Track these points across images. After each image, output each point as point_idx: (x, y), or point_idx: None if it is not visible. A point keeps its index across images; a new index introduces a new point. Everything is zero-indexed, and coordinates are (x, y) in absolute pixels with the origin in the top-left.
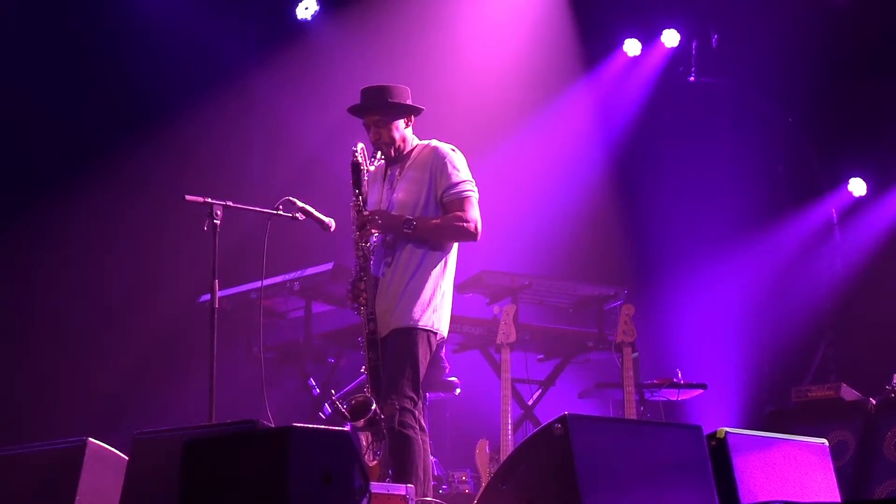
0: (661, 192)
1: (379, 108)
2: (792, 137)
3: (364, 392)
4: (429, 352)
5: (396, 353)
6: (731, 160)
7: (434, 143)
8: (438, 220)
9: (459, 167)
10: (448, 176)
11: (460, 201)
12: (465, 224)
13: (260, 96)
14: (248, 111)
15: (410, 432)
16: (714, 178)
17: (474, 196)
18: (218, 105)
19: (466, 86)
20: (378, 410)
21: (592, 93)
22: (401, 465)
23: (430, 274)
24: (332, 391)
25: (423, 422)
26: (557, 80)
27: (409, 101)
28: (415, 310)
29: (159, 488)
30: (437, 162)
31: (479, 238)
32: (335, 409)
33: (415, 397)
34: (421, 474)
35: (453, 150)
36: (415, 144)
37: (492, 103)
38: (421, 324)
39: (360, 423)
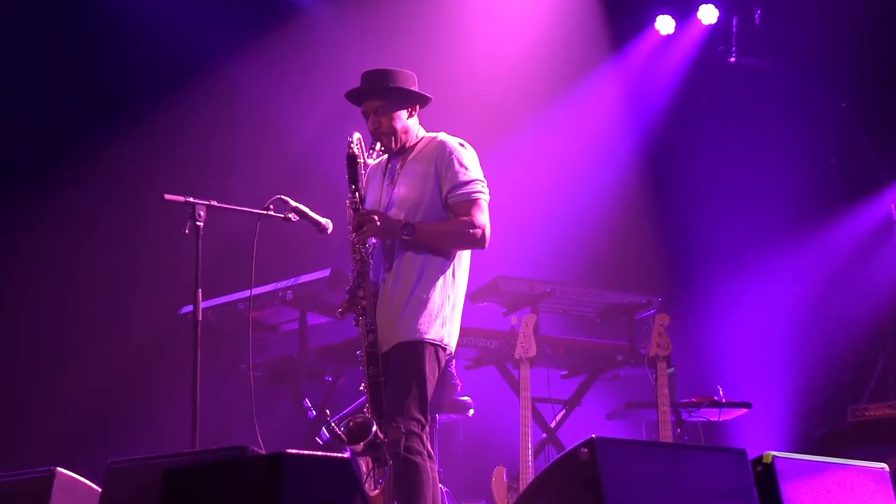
0: (698, 188)
1: (380, 94)
2: (845, 125)
3: (364, 412)
4: (437, 368)
5: (401, 371)
6: (776, 151)
7: (442, 136)
8: (441, 226)
9: (468, 164)
10: (455, 174)
11: (468, 204)
12: (471, 230)
13: (247, 86)
14: (234, 102)
15: (418, 459)
16: (758, 171)
17: (484, 198)
18: (200, 96)
19: (479, 71)
20: (379, 432)
21: (620, 77)
22: (407, 495)
23: (437, 281)
24: (327, 412)
25: (430, 448)
26: (581, 63)
27: (415, 88)
28: (421, 321)
29: None
30: (443, 157)
31: (486, 246)
32: (331, 432)
33: (422, 420)
34: None
35: (462, 145)
36: (420, 137)
37: (507, 90)
38: (428, 337)
39: (360, 447)
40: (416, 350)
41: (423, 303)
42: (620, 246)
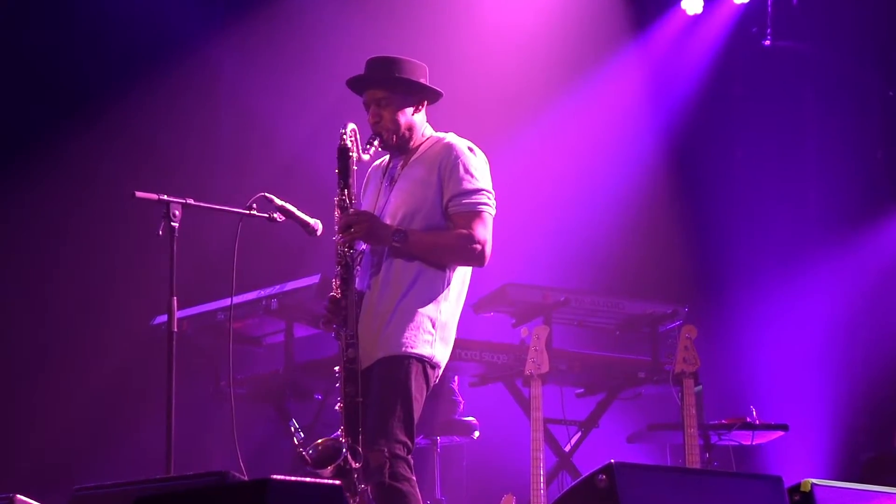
0: (729, 186)
1: (385, 84)
2: (893, 115)
3: (338, 435)
4: (425, 388)
5: (384, 388)
6: (817, 146)
7: (450, 137)
8: (436, 237)
9: (476, 172)
10: (459, 181)
11: (470, 216)
12: (469, 245)
13: (228, 75)
14: (215, 93)
15: (405, 486)
16: (796, 168)
17: (489, 212)
18: (178, 86)
19: (486, 57)
20: (350, 458)
21: (642, 63)
22: None
23: (429, 294)
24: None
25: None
26: (598, 47)
27: (424, 81)
28: (407, 335)
29: None
30: (449, 161)
31: (484, 264)
32: (297, 455)
33: (408, 443)
34: None
35: (471, 150)
36: (426, 136)
37: (517, 77)
38: (415, 351)
39: (326, 472)
40: (401, 365)
41: (411, 315)
42: (642, 250)
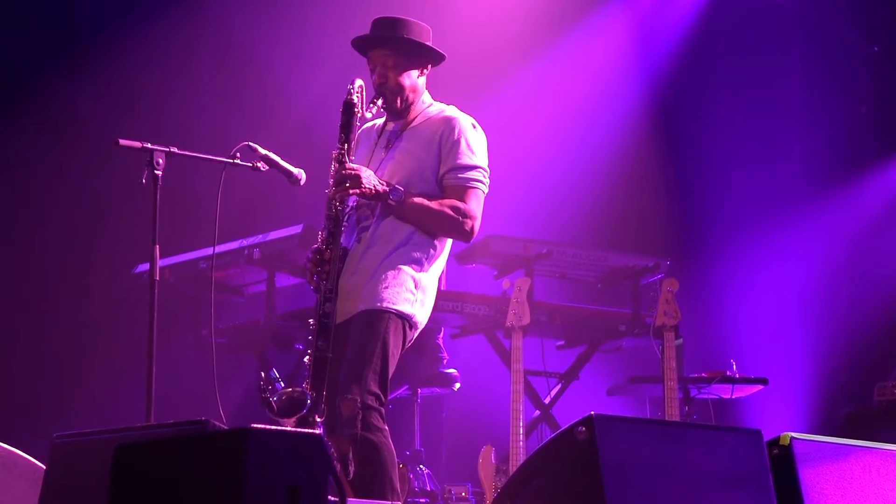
0: (712, 140)
1: (392, 44)
2: (877, 71)
3: (303, 387)
4: (401, 345)
5: (363, 338)
6: (800, 100)
7: (452, 110)
8: (432, 202)
9: (475, 149)
10: (457, 155)
11: (464, 190)
12: (461, 219)
13: (214, 18)
14: (200, 38)
15: (377, 436)
16: (780, 122)
17: (482, 189)
18: (165, 34)
19: (469, 7)
20: (313, 410)
21: (628, 16)
22: (371, 478)
23: (413, 258)
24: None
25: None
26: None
27: (430, 44)
28: (390, 291)
29: (83, 503)
30: (450, 134)
31: (470, 241)
32: (263, 400)
33: (381, 396)
34: (397, 486)
35: (474, 127)
36: (427, 104)
37: (499, 29)
38: (396, 308)
39: (290, 421)
40: (381, 319)
41: (395, 273)
42: (625, 203)
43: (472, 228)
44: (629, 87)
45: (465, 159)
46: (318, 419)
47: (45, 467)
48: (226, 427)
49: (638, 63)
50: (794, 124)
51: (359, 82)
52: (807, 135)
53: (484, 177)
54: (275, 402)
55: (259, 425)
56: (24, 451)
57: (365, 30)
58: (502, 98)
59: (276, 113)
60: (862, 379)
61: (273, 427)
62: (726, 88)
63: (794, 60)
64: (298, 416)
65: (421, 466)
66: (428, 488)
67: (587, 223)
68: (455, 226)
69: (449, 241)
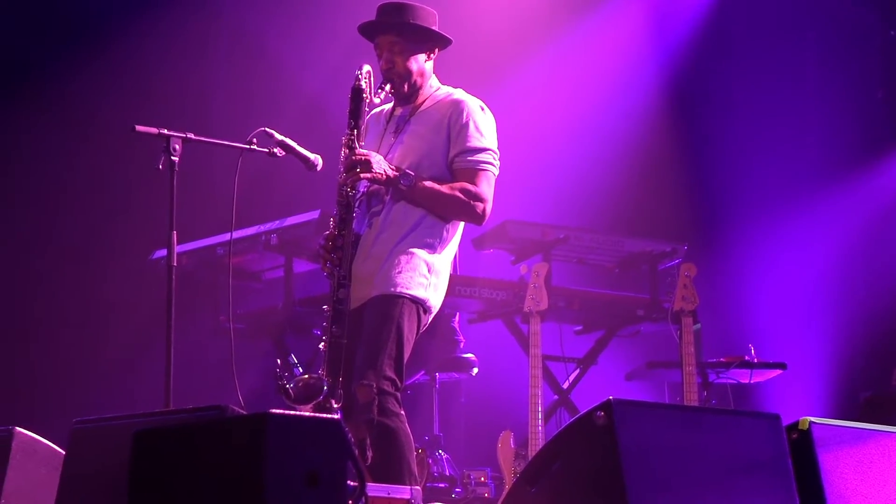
0: (729, 124)
1: (398, 29)
2: (894, 56)
3: (319, 373)
4: (416, 330)
5: (378, 324)
6: (817, 84)
7: (459, 93)
8: (443, 187)
9: (484, 131)
10: (467, 138)
11: (475, 172)
12: (472, 202)
13: (228, 4)
14: (215, 24)
15: (394, 421)
16: (796, 106)
17: (493, 172)
18: (177, 17)
19: None
20: (333, 400)
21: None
22: (389, 463)
23: (426, 240)
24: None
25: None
26: None
27: (436, 28)
28: (403, 275)
29: (102, 488)
30: (459, 118)
31: (482, 223)
32: (279, 387)
33: (396, 381)
34: (415, 470)
35: (482, 109)
36: (434, 87)
37: (518, 13)
38: (410, 292)
39: (307, 408)
40: (395, 304)
41: (409, 258)
42: (642, 188)
43: (484, 211)
44: (646, 71)
45: (475, 142)
46: (336, 405)
47: (64, 453)
48: (244, 412)
49: (654, 48)
50: (810, 109)
51: (366, 68)
52: (823, 119)
53: (494, 159)
54: (291, 388)
55: (278, 410)
56: (44, 437)
57: (374, 16)
58: (519, 83)
59: (292, 99)
60: (880, 363)
61: (292, 412)
62: (742, 73)
63: (810, 45)
64: (315, 402)
65: (440, 451)
66: (447, 473)
67: (604, 208)
68: (467, 209)
69: (461, 225)
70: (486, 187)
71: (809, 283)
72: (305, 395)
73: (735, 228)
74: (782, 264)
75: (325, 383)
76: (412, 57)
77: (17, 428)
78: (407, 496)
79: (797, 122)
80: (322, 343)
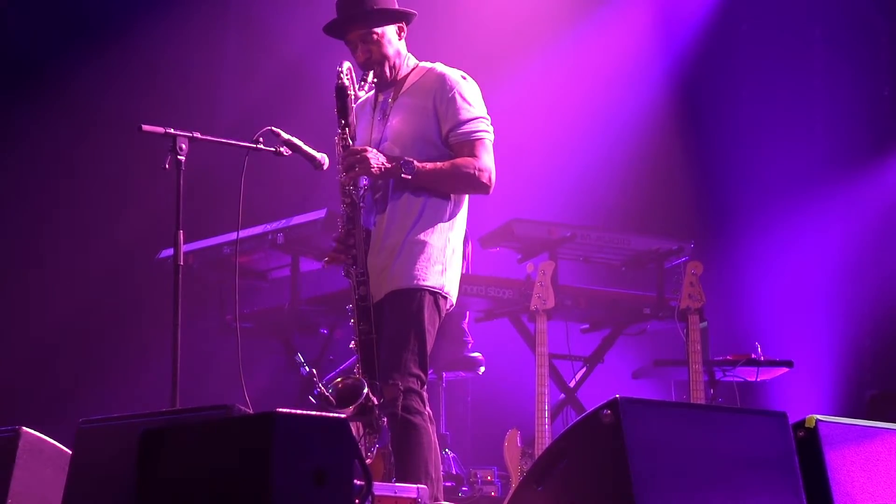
0: (735, 122)
1: (363, 19)
2: None
3: (354, 373)
4: (437, 319)
5: (397, 321)
6: (824, 82)
7: (439, 67)
8: (444, 165)
9: (471, 100)
10: (457, 111)
11: (472, 143)
12: (476, 172)
13: (237, 2)
14: (223, 21)
15: (417, 419)
16: (803, 104)
17: (489, 138)
18: (184, 14)
19: None
20: (371, 395)
21: None
22: (406, 460)
23: (435, 223)
24: (313, 370)
25: (429, 409)
26: None
27: (395, 6)
28: (418, 266)
29: (109, 487)
30: (444, 92)
31: (490, 191)
32: (319, 395)
33: (422, 376)
34: (432, 471)
35: (464, 78)
36: (412, 65)
37: (524, 10)
38: (426, 284)
39: (349, 411)
40: (413, 298)
41: (421, 247)
42: (648, 186)
43: (490, 179)
44: (652, 69)
45: (465, 113)
46: (377, 401)
47: (71, 452)
48: (251, 412)
49: (661, 46)
50: (817, 106)
51: (346, 65)
52: (830, 117)
53: (487, 125)
54: (332, 394)
55: (284, 409)
56: (50, 437)
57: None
58: (526, 82)
59: (300, 98)
60: (887, 361)
61: (298, 411)
62: (749, 70)
63: (817, 42)
64: (358, 403)
65: (446, 450)
66: (453, 472)
67: (611, 206)
68: (472, 182)
69: (467, 197)
70: (486, 155)
71: (815, 280)
72: (348, 397)
73: (742, 226)
74: (789, 262)
75: (364, 384)
76: (384, 41)
77: (24, 428)
78: (413, 495)
79: (804, 119)
80: (352, 342)
